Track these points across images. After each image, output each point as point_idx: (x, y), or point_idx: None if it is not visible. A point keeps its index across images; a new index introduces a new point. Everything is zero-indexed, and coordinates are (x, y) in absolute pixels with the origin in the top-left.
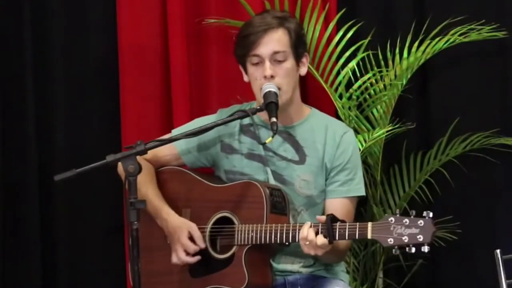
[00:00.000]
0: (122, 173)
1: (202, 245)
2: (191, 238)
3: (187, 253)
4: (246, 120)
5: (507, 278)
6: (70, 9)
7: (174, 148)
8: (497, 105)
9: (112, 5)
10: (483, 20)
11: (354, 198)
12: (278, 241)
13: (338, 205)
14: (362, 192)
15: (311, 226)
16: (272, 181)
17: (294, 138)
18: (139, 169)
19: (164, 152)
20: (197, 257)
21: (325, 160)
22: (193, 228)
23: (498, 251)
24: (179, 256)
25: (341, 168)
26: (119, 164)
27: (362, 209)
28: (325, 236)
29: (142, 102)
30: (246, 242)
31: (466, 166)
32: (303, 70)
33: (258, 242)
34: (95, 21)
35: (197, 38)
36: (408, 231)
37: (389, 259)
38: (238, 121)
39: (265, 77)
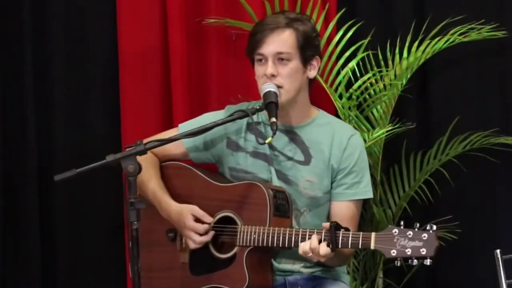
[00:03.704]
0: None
1: (209, 220)
2: (197, 220)
3: (200, 234)
4: (254, 118)
5: (507, 278)
6: (70, 9)
7: (181, 145)
8: (497, 104)
9: (112, 5)
10: (483, 20)
11: (360, 201)
12: (281, 245)
13: (344, 207)
14: (369, 194)
15: (319, 241)
16: (275, 181)
17: (300, 139)
18: (139, 169)
19: (172, 148)
20: (212, 233)
21: (331, 161)
22: (195, 209)
23: (498, 251)
24: (194, 239)
25: (348, 171)
26: None
27: (362, 209)
28: (328, 245)
29: (142, 102)
30: (248, 244)
31: (466, 166)
32: (312, 73)
33: (260, 245)
34: (95, 21)
35: (197, 38)
36: (411, 244)
37: (389, 259)
38: (245, 118)
39: (265, 75)
